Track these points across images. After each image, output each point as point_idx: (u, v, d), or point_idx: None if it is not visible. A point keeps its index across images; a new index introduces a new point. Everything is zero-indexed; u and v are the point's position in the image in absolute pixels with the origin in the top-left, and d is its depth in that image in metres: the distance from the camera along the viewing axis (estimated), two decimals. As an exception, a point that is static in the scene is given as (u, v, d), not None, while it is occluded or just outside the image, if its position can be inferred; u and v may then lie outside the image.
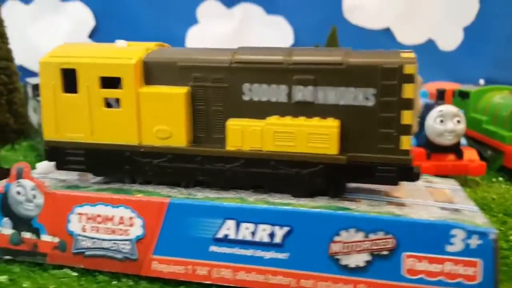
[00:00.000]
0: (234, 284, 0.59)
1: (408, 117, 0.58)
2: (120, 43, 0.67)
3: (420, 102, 0.63)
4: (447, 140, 1.07)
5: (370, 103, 0.59)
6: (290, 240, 0.58)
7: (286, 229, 0.58)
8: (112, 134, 0.64)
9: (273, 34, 2.28)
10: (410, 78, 0.57)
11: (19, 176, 0.65)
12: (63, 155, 0.67)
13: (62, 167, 0.67)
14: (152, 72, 0.64)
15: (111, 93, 0.63)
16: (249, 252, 0.59)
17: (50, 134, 0.66)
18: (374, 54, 0.59)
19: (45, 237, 0.65)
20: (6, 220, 0.66)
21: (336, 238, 0.56)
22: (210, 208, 0.60)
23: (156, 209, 0.61)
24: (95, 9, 2.22)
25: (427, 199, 0.63)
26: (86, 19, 2.26)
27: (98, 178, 0.69)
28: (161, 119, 0.63)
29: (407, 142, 0.59)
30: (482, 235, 0.53)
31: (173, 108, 0.62)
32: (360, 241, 0.56)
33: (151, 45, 0.68)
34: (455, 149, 1.09)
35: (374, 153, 0.60)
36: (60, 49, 0.67)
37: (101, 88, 0.64)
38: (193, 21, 2.21)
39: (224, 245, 0.59)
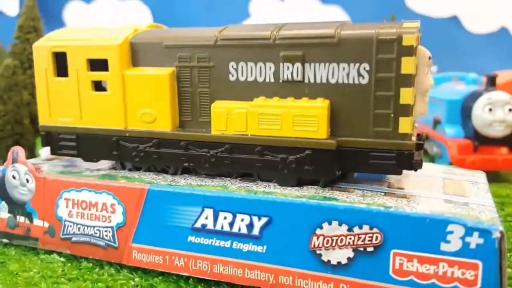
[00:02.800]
0: (210, 277, 0.55)
1: (407, 96, 0.51)
2: (114, 25, 0.66)
3: (431, 81, 0.55)
4: (497, 131, 0.96)
5: (364, 80, 0.52)
6: (269, 232, 0.53)
7: (264, 219, 0.53)
8: (100, 118, 0.63)
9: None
10: (409, 51, 0.50)
11: (15, 160, 0.65)
12: (56, 140, 0.66)
13: (56, 152, 0.67)
14: (139, 54, 0.61)
15: (98, 76, 0.62)
16: (226, 243, 0.54)
17: (44, 119, 0.66)
18: (371, 26, 0.52)
19: (37, 222, 0.64)
20: (3, 204, 0.66)
21: (318, 231, 0.50)
22: (188, 196, 0.56)
23: (136, 196, 0.58)
24: (152, 6, 2.26)
25: (436, 191, 0.55)
26: (144, 16, 2.32)
27: (105, 164, 0.68)
28: (146, 102, 0.60)
29: (406, 125, 0.51)
30: (484, 232, 0.45)
31: (157, 91, 0.59)
32: (343, 235, 0.49)
33: (143, 26, 0.65)
34: (508, 141, 0.97)
35: (368, 138, 0.53)
36: (54, 34, 0.66)
37: (89, 71, 0.62)
38: (246, 14, 2.18)
39: (202, 235, 0.55)
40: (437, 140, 1.08)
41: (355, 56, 0.52)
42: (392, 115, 0.52)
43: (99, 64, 0.62)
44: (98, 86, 0.63)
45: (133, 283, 0.56)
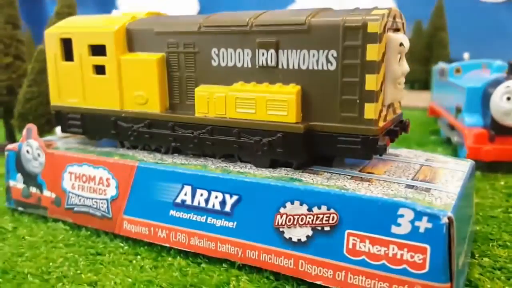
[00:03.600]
0: (188, 249, 0.59)
1: (371, 82, 0.52)
2: (116, 12, 0.70)
3: (404, 68, 0.55)
4: (515, 121, 0.93)
5: (332, 67, 0.54)
6: (239, 209, 0.56)
7: (235, 197, 0.56)
8: (100, 99, 0.68)
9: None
10: (374, 38, 0.51)
11: (29, 137, 0.72)
12: (65, 119, 0.72)
13: (65, 130, 0.73)
14: (134, 40, 0.66)
15: (98, 60, 0.67)
16: (202, 218, 0.58)
17: (55, 99, 0.72)
18: (342, 13, 0.54)
19: (46, 193, 0.71)
20: (19, 175, 0.74)
21: (282, 210, 0.53)
22: (171, 173, 0.60)
23: (127, 171, 0.63)
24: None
25: (406, 176, 0.56)
26: (191, 3, 2.38)
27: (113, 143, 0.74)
28: (138, 85, 0.65)
29: (371, 111, 0.53)
30: (433, 217, 0.46)
31: (148, 75, 0.63)
32: (303, 214, 0.52)
33: (142, 13, 0.70)
34: (526, 131, 0.94)
35: (336, 123, 0.55)
36: (64, 21, 0.72)
37: (90, 56, 0.67)
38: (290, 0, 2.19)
39: (182, 210, 0.59)
40: (457, 129, 1.06)
41: (323, 43, 0.54)
42: (358, 101, 0.53)
43: (99, 49, 0.67)
44: (100, 69, 0.68)
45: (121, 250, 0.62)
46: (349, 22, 0.52)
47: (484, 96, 0.99)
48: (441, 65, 1.32)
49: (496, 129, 0.95)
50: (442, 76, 1.30)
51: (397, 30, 0.57)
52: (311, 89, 0.55)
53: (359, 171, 0.58)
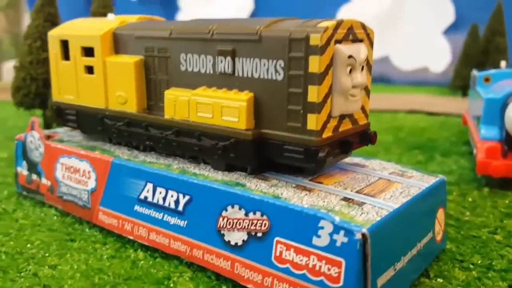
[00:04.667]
0: (147, 243, 0.63)
1: (313, 94, 0.52)
2: (111, 16, 0.75)
3: (356, 80, 0.55)
4: (529, 136, 0.88)
5: (280, 77, 0.55)
6: (190, 209, 0.59)
7: (187, 197, 0.59)
8: (90, 97, 0.73)
9: (430, 12, 2.08)
10: (315, 50, 0.51)
11: (33, 128, 0.79)
12: (64, 113, 0.78)
13: (65, 124, 0.79)
14: (120, 43, 0.70)
15: (88, 61, 0.72)
16: (160, 215, 0.61)
17: (55, 95, 0.79)
18: (293, 24, 0.55)
19: (44, 180, 0.78)
20: (24, 163, 0.81)
21: (224, 213, 0.55)
22: (137, 170, 0.64)
23: (104, 166, 0.68)
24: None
25: (350, 188, 0.56)
26: (246, 3, 2.42)
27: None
28: (119, 86, 0.69)
29: (312, 122, 0.53)
30: (349, 232, 0.46)
31: (127, 76, 0.68)
32: (241, 219, 0.54)
33: (134, 18, 0.74)
34: (543, 148, 0.88)
35: (283, 131, 0.56)
36: (64, 24, 0.78)
37: (83, 57, 0.73)
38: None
39: (144, 206, 0.63)
40: (474, 141, 1.02)
41: (272, 53, 0.55)
42: (301, 111, 0.54)
43: (90, 51, 0.72)
44: (90, 70, 0.73)
45: (93, 239, 0.67)
46: (294, 34, 0.53)
47: (502, 108, 0.94)
48: (474, 72, 1.26)
49: (510, 144, 0.90)
50: (473, 84, 1.24)
51: (357, 41, 0.57)
52: (262, 98, 0.57)
53: (310, 179, 0.58)
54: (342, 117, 0.57)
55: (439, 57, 2.24)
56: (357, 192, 0.55)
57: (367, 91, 0.62)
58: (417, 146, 1.23)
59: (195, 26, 0.62)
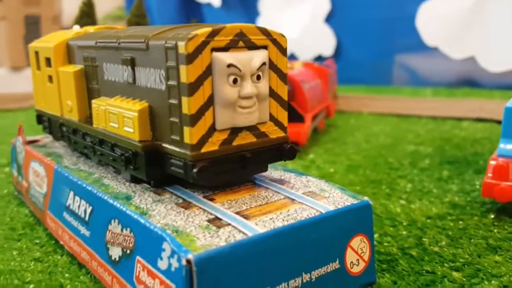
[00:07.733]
0: (69, 249, 0.64)
1: (185, 106, 0.49)
2: (75, 27, 0.78)
3: (248, 90, 0.49)
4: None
5: (163, 86, 0.52)
6: (92, 220, 0.59)
7: (91, 208, 0.59)
8: (52, 105, 0.77)
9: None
10: (183, 59, 0.48)
11: (19, 133, 0.85)
12: (41, 121, 0.83)
13: (44, 130, 0.84)
14: (72, 53, 0.72)
15: (49, 71, 0.76)
16: (76, 223, 0.62)
17: (36, 103, 0.84)
18: (175, 32, 0.52)
19: (23, 182, 0.83)
20: (15, 165, 0.88)
21: (109, 227, 0.54)
22: (65, 178, 0.66)
23: (50, 171, 0.71)
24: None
25: (239, 207, 0.51)
26: (323, 3, 2.35)
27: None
28: (67, 95, 0.71)
29: (187, 135, 0.50)
30: (178, 257, 0.42)
31: (69, 85, 0.70)
32: (118, 234, 0.52)
33: (94, 28, 0.76)
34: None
35: (168, 144, 0.53)
36: (46, 36, 0.83)
37: (46, 67, 0.76)
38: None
39: (68, 213, 0.65)
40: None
41: (156, 62, 0.53)
42: (179, 124, 0.51)
43: (50, 62, 0.75)
44: (51, 79, 0.77)
45: (37, 241, 0.70)
46: (167, 42, 0.50)
47: (526, 120, 0.79)
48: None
49: (527, 161, 0.75)
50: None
51: (253, 48, 0.52)
52: (154, 108, 0.55)
53: (205, 196, 0.55)
54: (236, 130, 0.53)
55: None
56: (237, 212, 0.50)
57: (280, 101, 0.56)
58: (453, 161, 1.09)
59: (109, 34, 0.62)
